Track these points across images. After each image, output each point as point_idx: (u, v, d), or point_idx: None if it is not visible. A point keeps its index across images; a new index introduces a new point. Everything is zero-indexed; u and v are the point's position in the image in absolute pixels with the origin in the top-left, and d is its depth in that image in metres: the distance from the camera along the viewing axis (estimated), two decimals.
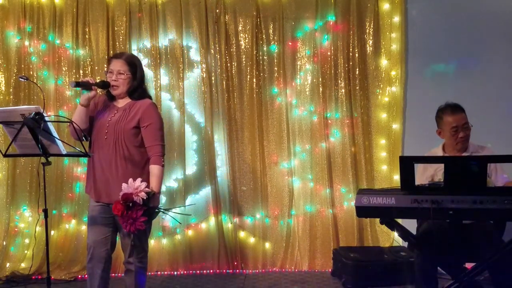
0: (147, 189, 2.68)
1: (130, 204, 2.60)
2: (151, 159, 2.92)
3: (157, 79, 4.38)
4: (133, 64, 2.99)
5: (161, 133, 2.98)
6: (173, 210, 3.03)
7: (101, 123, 2.96)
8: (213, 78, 4.40)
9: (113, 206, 2.64)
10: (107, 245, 2.99)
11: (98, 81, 2.95)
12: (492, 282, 2.99)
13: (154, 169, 2.90)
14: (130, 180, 2.67)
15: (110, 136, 2.91)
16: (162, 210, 2.89)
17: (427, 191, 2.62)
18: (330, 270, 4.30)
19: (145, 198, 2.63)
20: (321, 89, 4.40)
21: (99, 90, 3.03)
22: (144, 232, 3.00)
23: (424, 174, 3.22)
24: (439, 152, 3.29)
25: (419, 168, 3.22)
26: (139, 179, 2.68)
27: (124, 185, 2.66)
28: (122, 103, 3.02)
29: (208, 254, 4.42)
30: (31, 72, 4.38)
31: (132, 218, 2.61)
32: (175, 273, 4.38)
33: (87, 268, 3.02)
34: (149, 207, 2.68)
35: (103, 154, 2.92)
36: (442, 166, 3.10)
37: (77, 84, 2.85)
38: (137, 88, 3.01)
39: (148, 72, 4.38)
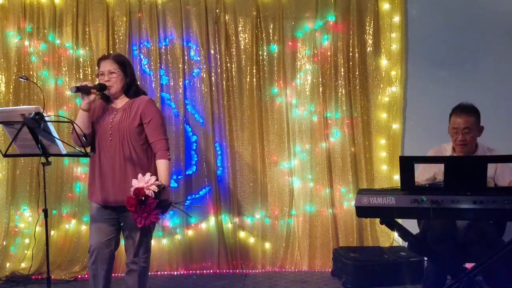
0: (157, 182, 2.71)
1: (143, 198, 2.63)
2: (156, 154, 2.95)
3: (157, 79, 4.38)
4: (122, 62, 3.00)
5: (163, 127, 3.02)
6: (182, 203, 3.04)
7: (103, 126, 2.96)
8: (213, 78, 4.40)
9: (125, 202, 2.67)
10: (111, 246, 3.00)
11: (96, 84, 2.96)
12: (485, 282, 3.00)
13: (161, 163, 2.92)
14: (140, 175, 2.71)
15: (115, 137, 2.92)
16: (173, 203, 2.90)
17: (427, 191, 2.62)
18: (330, 270, 4.30)
19: (156, 191, 2.67)
20: (321, 89, 4.40)
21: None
22: (149, 232, 3.01)
23: (424, 175, 3.20)
24: (448, 148, 3.26)
25: (420, 167, 3.21)
26: (148, 174, 2.71)
27: (134, 180, 2.69)
28: (120, 103, 3.02)
29: (208, 254, 4.42)
30: (31, 72, 4.38)
31: (146, 212, 2.64)
32: (175, 273, 4.38)
33: (90, 269, 3.02)
34: (161, 200, 2.71)
35: (108, 156, 2.92)
36: (441, 170, 3.10)
37: (77, 89, 2.85)
38: (131, 85, 3.02)
39: (148, 72, 4.38)
